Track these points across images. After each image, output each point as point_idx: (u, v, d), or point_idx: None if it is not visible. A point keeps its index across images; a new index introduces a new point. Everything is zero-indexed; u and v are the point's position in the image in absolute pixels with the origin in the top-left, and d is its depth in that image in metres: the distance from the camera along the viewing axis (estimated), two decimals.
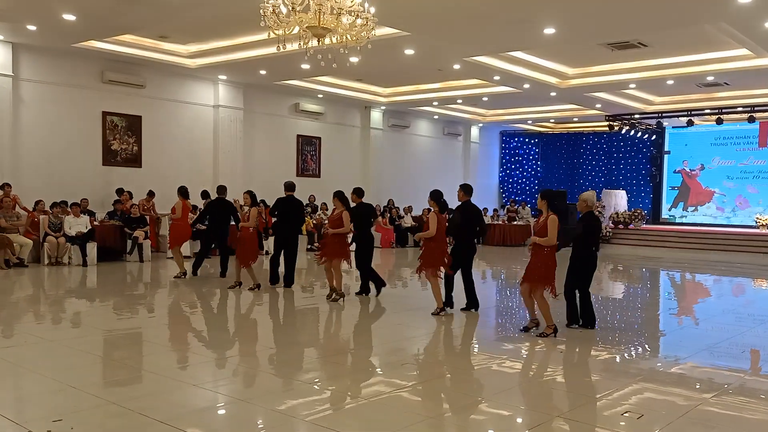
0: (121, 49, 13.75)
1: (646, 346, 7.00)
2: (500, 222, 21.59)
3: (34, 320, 7.81)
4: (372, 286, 9.42)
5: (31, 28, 11.89)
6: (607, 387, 5.18)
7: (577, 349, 6.40)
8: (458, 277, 8.35)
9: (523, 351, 6.42)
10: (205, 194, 14.45)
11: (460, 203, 8.43)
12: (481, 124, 24.57)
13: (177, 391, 4.96)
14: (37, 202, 12.97)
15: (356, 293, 9.47)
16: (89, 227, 12.75)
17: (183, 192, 11.38)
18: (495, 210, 23.27)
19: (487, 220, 21.52)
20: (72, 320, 7.86)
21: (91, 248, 12.56)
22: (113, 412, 4.38)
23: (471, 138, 24.68)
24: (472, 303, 8.36)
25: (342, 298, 8.94)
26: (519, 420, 4.52)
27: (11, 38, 12.77)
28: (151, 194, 14.59)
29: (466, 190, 8.45)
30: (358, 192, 9.43)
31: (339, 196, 9.07)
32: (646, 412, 4.60)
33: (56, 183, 13.91)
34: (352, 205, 9.22)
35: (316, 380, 5.38)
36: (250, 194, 9.98)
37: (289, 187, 10.15)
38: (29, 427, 4.01)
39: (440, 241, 7.90)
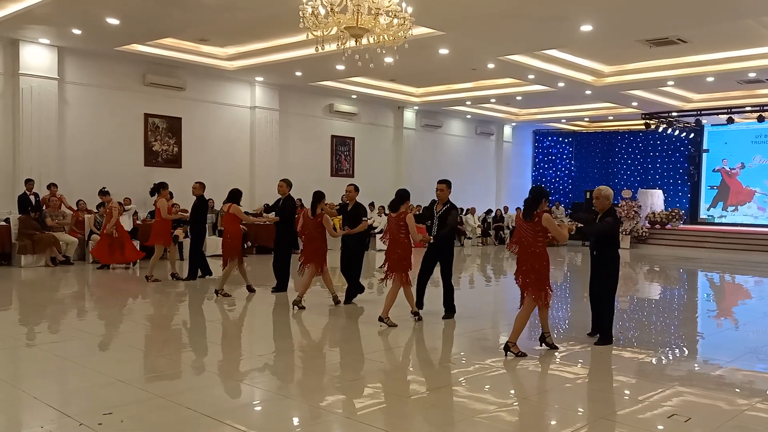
0: (162, 52, 14.10)
1: (686, 349, 6.90)
2: None
3: (80, 316, 8.07)
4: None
5: (76, 32, 12.26)
6: (648, 390, 5.12)
7: (616, 352, 6.35)
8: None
9: (559, 353, 6.38)
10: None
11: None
12: (514, 124, 24.39)
13: (220, 386, 5.09)
14: (78, 202, 13.38)
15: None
16: (132, 226, 13.10)
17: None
18: None
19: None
20: (116, 316, 8.07)
21: None
22: (161, 405, 4.51)
23: (504, 137, 24.52)
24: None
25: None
26: (561, 421, 4.51)
27: (57, 42, 13.17)
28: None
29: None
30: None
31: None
32: (690, 416, 4.55)
33: (99, 183, 14.21)
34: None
35: (354, 378, 5.46)
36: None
37: (290, 185, 10.03)
38: (81, 419, 4.14)
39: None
